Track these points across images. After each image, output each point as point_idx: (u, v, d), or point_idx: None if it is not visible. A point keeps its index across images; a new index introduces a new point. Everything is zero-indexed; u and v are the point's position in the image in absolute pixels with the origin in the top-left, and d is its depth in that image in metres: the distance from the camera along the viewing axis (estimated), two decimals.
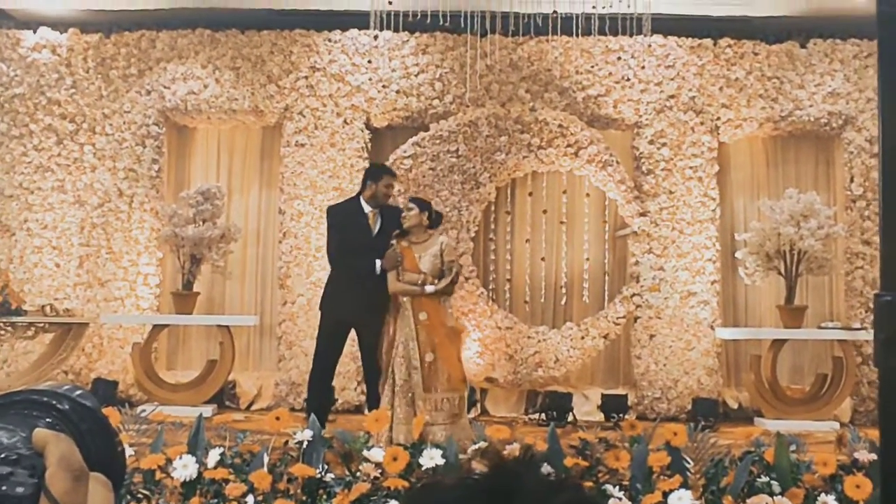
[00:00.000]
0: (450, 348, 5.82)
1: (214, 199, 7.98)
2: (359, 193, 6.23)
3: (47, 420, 0.66)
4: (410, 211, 5.91)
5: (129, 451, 3.95)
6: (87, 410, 0.68)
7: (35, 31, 8.68)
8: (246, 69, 8.56)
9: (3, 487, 0.58)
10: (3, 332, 7.05)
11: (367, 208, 6.07)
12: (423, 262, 5.78)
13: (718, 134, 8.52)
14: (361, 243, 5.95)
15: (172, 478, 3.81)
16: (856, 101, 8.40)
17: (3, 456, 0.59)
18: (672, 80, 8.47)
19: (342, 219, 6.14)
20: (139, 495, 3.81)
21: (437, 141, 8.33)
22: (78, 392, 0.70)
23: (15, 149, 8.57)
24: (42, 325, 7.29)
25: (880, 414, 0.88)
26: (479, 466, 3.93)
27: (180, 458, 3.84)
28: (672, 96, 8.45)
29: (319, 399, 6.07)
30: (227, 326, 7.90)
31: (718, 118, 8.46)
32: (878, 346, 0.91)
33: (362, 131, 8.51)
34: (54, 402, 0.67)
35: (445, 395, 5.74)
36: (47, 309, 7.43)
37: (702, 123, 8.44)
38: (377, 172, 6.23)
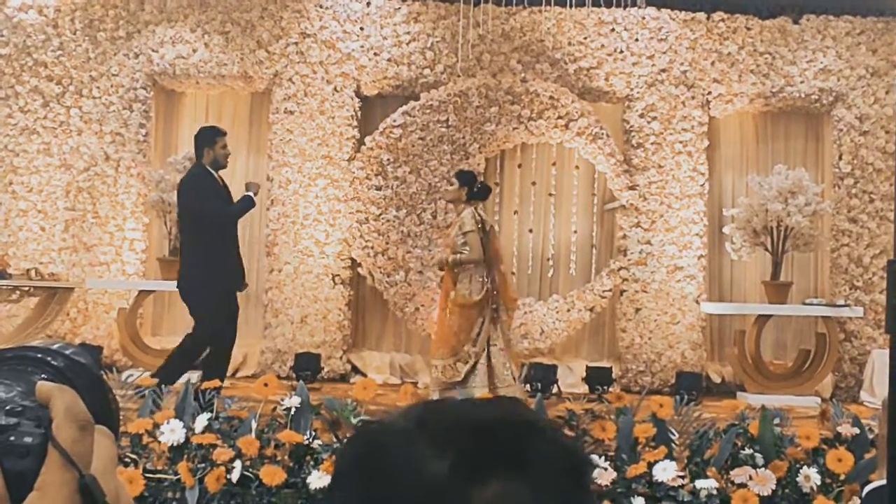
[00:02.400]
0: (446, 319, 5.96)
1: None
2: (199, 162, 6.08)
3: (42, 376, 0.65)
4: (452, 186, 6.06)
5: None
6: (81, 367, 0.68)
7: None
8: (235, 34, 8.48)
9: (12, 437, 0.58)
10: None
11: (214, 174, 6.01)
12: (451, 238, 6.03)
13: (709, 109, 8.52)
14: (221, 208, 6.00)
15: (160, 442, 3.82)
16: (847, 79, 8.42)
17: (7, 408, 0.59)
18: (664, 53, 8.45)
19: (200, 190, 5.93)
20: (126, 459, 3.81)
21: (428, 111, 8.30)
22: (71, 349, 0.70)
23: (0, 111, 8.48)
24: (27, 288, 7.26)
25: (890, 381, 0.89)
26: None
27: (168, 422, 3.84)
28: (664, 70, 8.44)
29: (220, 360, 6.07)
30: None
31: (709, 93, 8.46)
32: (889, 312, 0.92)
33: (352, 99, 8.46)
34: (48, 359, 0.67)
35: (441, 363, 5.92)
36: (32, 273, 7.40)
37: (693, 98, 8.44)
38: (208, 136, 6.06)
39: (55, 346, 0.69)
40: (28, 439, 0.58)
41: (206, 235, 5.88)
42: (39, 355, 0.67)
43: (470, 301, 6.02)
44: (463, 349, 5.96)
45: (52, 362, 0.67)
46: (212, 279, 5.88)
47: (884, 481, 1.02)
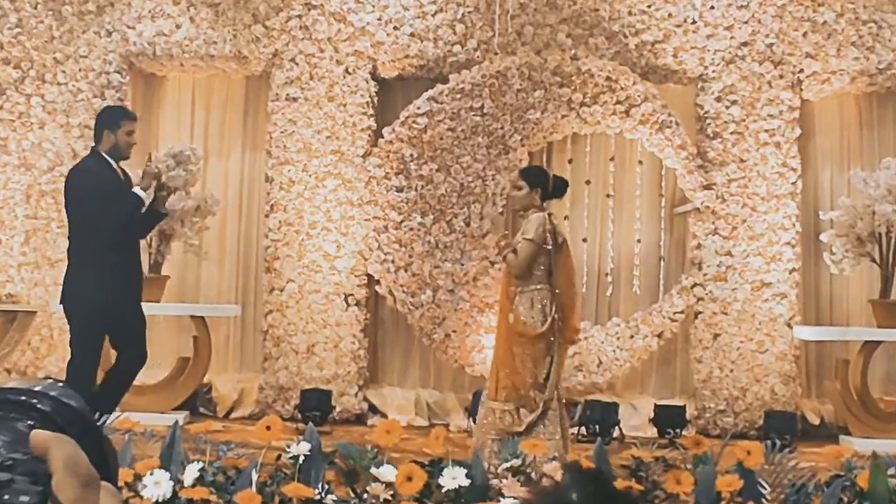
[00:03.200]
0: (505, 351, 5.93)
1: (188, 164, 7.98)
2: (93, 150, 6.08)
3: (28, 423, 0.66)
4: (519, 190, 6.03)
5: None
6: (72, 411, 0.69)
7: None
8: (227, 6, 8.55)
9: (6, 496, 0.58)
10: None
11: (114, 165, 5.96)
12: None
13: (801, 90, 8.47)
14: (114, 207, 5.84)
15: (142, 497, 3.85)
16: None
17: None
18: (745, 23, 8.41)
19: (100, 182, 5.87)
20: None
21: (458, 96, 8.32)
22: (58, 389, 0.70)
23: None
24: None
25: None
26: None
27: (152, 473, 3.87)
28: (745, 43, 8.41)
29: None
30: (202, 317, 7.95)
31: (801, 71, 8.41)
32: None
33: (367, 83, 8.50)
34: (34, 402, 0.67)
35: (500, 407, 5.87)
36: None
37: (781, 77, 8.39)
38: (111, 118, 6.05)
39: (40, 387, 0.69)
40: (24, 498, 0.59)
41: (88, 244, 5.87)
42: (23, 398, 0.68)
43: (532, 332, 5.94)
44: (529, 393, 5.91)
45: (39, 406, 0.67)
46: (89, 298, 5.84)
47: None
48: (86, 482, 0.61)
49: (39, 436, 0.62)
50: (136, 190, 5.82)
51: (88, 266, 5.82)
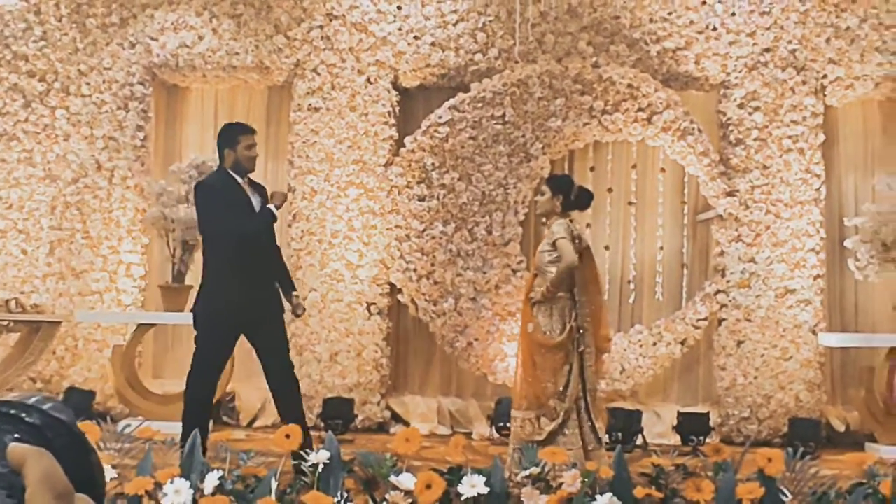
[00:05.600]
0: (526, 361, 5.93)
1: None
2: (219, 167, 6.07)
3: (16, 435, 0.67)
4: (542, 195, 6.05)
5: (111, 474, 4.00)
6: (60, 424, 0.70)
7: None
8: (249, 17, 8.61)
9: None
10: None
11: (239, 180, 5.92)
12: (537, 255, 6.01)
13: (825, 96, 8.44)
14: (238, 220, 5.83)
15: None
16: None
17: None
18: (768, 29, 8.39)
19: (223, 197, 5.88)
20: None
21: (480, 104, 8.33)
22: (49, 403, 0.71)
23: None
24: (6, 323, 7.40)
25: None
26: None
27: (172, 482, 3.88)
28: (767, 50, 8.38)
29: (200, 405, 6.00)
30: None
31: (825, 77, 8.37)
32: None
33: (389, 92, 8.53)
34: (23, 415, 0.68)
35: (521, 415, 5.87)
36: (12, 304, 7.54)
37: (804, 83, 8.36)
38: (230, 135, 6.02)
39: (31, 401, 0.70)
40: None
41: (217, 258, 5.91)
42: (13, 411, 0.69)
43: (551, 341, 5.93)
44: (549, 403, 5.90)
45: (27, 419, 0.68)
46: (218, 306, 5.83)
47: None
48: (59, 495, 0.61)
49: (17, 450, 0.63)
50: (271, 206, 5.84)
51: (220, 277, 5.83)
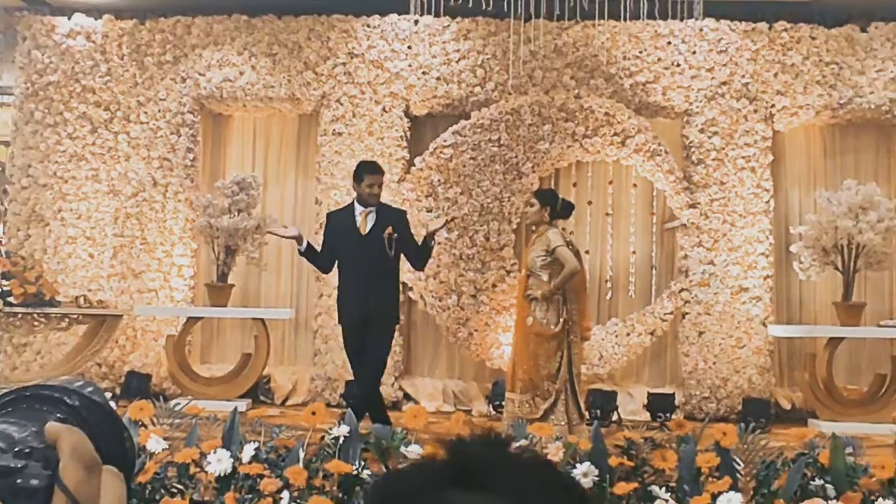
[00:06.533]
0: (524, 350, 5.91)
1: (250, 189, 8.05)
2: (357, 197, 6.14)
3: (57, 415, 0.67)
4: (532, 207, 6.05)
5: (163, 445, 4.00)
6: (95, 405, 0.70)
7: (69, 18, 8.81)
8: (282, 55, 8.61)
9: (19, 480, 0.59)
10: (37, 323, 7.17)
11: (357, 209, 5.98)
12: (529, 258, 5.97)
13: (773, 122, 8.42)
14: (347, 243, 5.95)
15: (206, 472, 3.86)
16: None
17: (16, 449, 0.61)
18: (724, 65, 8.37)
19: (335, 224, 6.11)
20: (173, 489, 3.86)
21: (479, 130, 8.33)
22: (88, 388, 0.72)
23: (49, 137, 8.71)
24: (76, 316, 7.41)
25: None
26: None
27: (215, 452, 3.88)
28: (724, 83, 8.36)
29: (365, 393, 6.05)
30: (262, 319, 7.97)
31: (773, 106, 8.35)
32: None
33: (401, 119, 8.53)
34: (64, 398, 0.69)
35: (518, 397, 5.85)
36: (81, 300, 7.55)
37: (755, 111, 8.34)
38: (358, 173, 6.06)
39: (73, 385, 0.70)
40: (34, 482, 0.59)
41: (339, 271, 6.12)
42: (56, 394, 0.69)
43: (548, 332, 5.93)
44: (543, 385, 5.89)
45: (67, 401, 0.69)
46: (339, 313, 6.11)
47: None
48: (88, 466, 0.61)
49: (52, 428, 0.63)
50: (386, 235, 5.89)
51: (339, 285, 6.14)
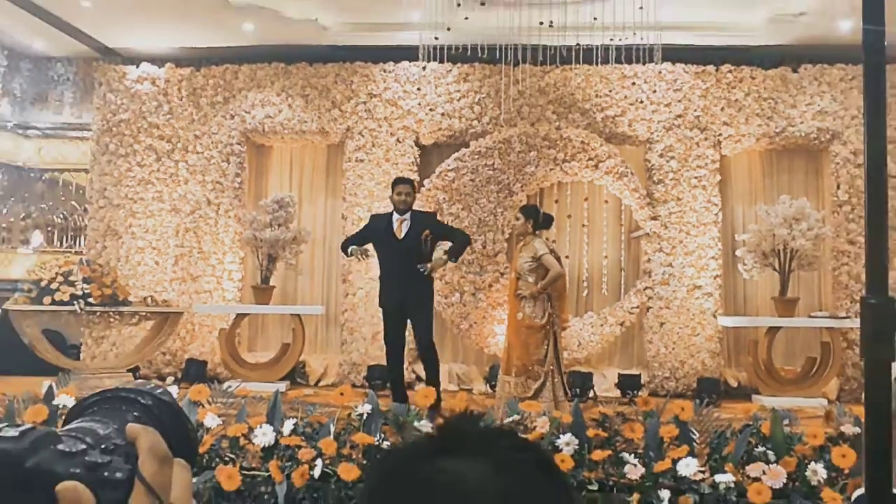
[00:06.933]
0: (517, 340, 5.90)
1: (287, 207, 8.06)
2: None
3: (134, 413, 0.68)
4: (518, 220, 6.07)
5: (217, 421, 4.00)
6: (165, 404, 0.70)
7: (138, 66, 8.83)
8: (314, 96, 8.62)
9: (106, 473, 0.60)
10: (112, 319, 7.18)
11: (395, 216, 6.05)
12: (518, 263, 5.96)
13: (720, 148, 8.41)
14: (386, 245, 6.02)
15: (253, 444, 3.86)
16: (842, 119, 8.24)
17: (102, 446, 0.61)
18: (679, 101, 8.37)
19: (374, 223, 6.18)
20: (226, 458, 3.86)
21: (476, 156, 8.33)
22: (159, 390, 0.72)
23: (121, 165, 8.73)
24: (144, 313, 7.41)
25: (865, 402, 0.87)
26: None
27: (260, 427, 3.89)
28: (679, 116, 8.36)
29: (391, 375, 6.11)
30: (298, 315, 7.97)
31: (720, 134, 8.34)
32: (863, 341, 0.90)
33: (412, 148, 8.53)
34: (139, 398, 0.69)
35: (513, 380, 5.85)
36: (148, 300, 7.56)
37: (706, 139, 8.34)
38: (392, 184, 6.24)
39: (145, 388, 0.71)
40: (119, 474, 0.60)
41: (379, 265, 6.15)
42: (132, 395, 0.69)
43: (536, 324, 5.93)
44: (534, 368, 5.89)
45: (141, 401, 0.69)
46: (380, 300, 6.16)
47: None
48: (162, 460, 0.62)
49: (132, 428, 0.63)
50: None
51: (380, 277, 6.15)
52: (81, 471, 0.58)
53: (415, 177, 8.44)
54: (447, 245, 6.06)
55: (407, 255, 5.87)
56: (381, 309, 6.20)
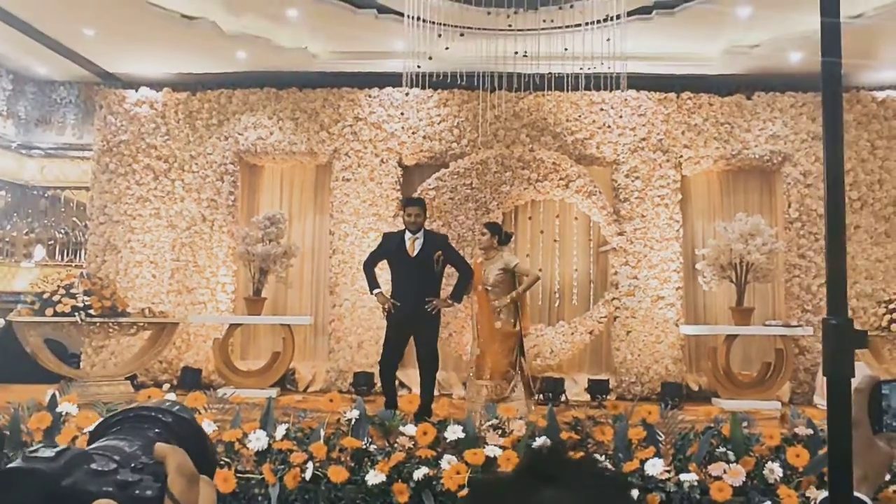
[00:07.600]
0: (492, 345, 5.89)
1: (278, 224, 8.02)
2: None
3: (155, 430, 0.67)
4: (484, 236, 6.08)
5: (213, 427, 3.96)
6: (185, 421, 0.70)
7: (137, 90, 8.78)
8: (303, 119, 8.61)
9: (136, 491, 0.59)
10: (111, 330, 7.10)
11: (407, 235, 5.98)
12: (487, 274, 5.95)
13: (681, 169, 8.49)
14: (398, 262, 5.93)
15: (248, 448, 3.82)
16: (792, 142, 8.37)
17: (132, 465, 0.61)
18: (643, 125, 8.45)
19: (387, 241, 6.08)
20: (222, 462, 3.82)
21: (455, 176, 8.35)
22: (177, 407, 0.71)
23: (121, 184, 8.65)
24: (142, 324, 7.34)
25: (828, 414, 0.89)
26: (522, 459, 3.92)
27: (254, 432, 3.85)
28: (643, 139, 8.44)
29: (384, 383, 6.02)
30: (288, 325, 7.92)
31: (681, 156, 8.43)
32: (825, 359, 0.92)
33: (396, 168, 8.54)
34: (159, 416, 0.69)
35: (487, 383, 5.84)
36: (146, 311, 7.49)
37: (668, 161, 8.42)
38: (403, 204, 6.20)
39: (165, 406, 0.70)
40: (149, 492, 0.59)
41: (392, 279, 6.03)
42: (153, 413, 0.69)
43: (512, 331, 5.96)
44: (507, 371, 5.90)
45: (162, 418, 0.68)
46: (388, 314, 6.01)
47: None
48: (190, 479, 0.61)
49: (161, 448, 0.63)
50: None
51: (392, 291, 5.96)
52: (114, 489, 0.58)
53: (398, 195, 8.46)
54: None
55: (419, 271, 5.83)
56: (386, 320, 6.08)
